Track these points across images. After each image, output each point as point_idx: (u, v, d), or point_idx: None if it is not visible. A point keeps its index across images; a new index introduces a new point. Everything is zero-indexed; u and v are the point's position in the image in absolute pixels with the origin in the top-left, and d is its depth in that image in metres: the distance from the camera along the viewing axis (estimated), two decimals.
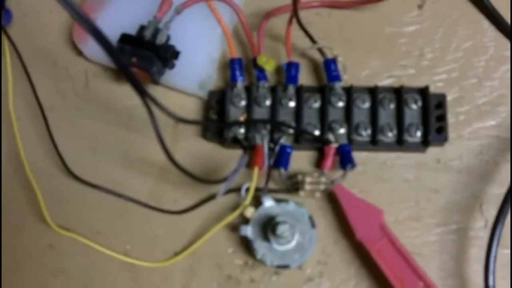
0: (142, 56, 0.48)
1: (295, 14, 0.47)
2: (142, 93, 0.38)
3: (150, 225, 0.49)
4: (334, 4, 0.53)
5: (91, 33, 0.34)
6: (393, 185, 0.48)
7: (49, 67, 0.53)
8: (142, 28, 0.49)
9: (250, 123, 0.48)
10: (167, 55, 0.48)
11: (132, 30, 0.50)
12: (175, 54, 0.49)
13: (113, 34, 0.48)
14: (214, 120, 0.49)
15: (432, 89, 0.49)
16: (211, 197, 0.48)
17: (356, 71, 0.51)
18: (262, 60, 0.48)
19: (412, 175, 0.49)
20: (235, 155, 0.50)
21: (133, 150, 0.51)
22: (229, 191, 0.48)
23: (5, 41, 0.52)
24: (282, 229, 0.44)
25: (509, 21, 0.51)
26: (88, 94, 0.52)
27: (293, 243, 0.45)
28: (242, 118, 0.49)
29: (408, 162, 0.49)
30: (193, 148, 0.50)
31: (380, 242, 0.44)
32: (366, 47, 0.52)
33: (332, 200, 0.48)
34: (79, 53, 0.53)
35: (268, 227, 0.45)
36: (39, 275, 0.49)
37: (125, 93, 0.52)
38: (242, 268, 0.48)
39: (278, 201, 0.47)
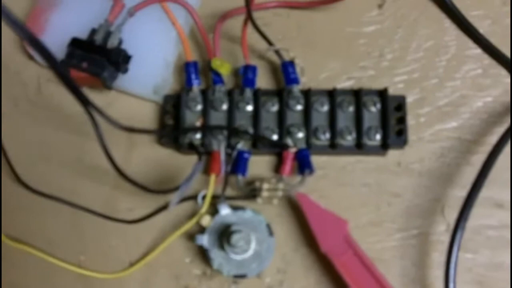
0: (93, 61, 0.46)
1: (249, 15, 0.46)
2: (85, 103, 0.36)
3: (104, 235, 0.48)
4: (291, 4, 0.52)
5: (26, 39, 0.32)
6: (354, 190, 0.47)
7: (1, 72, 0.51)
8: (93, 32, 0.48)
9: (206, 129, 0.46)
10: (118, 60, 0.46)
11: (85, 34, 0.48)
12: (127, 58, 0.47)
13: (65, 37, 0.48)
14: (168, 128, 0.48)
15: (393, 91, 0.48)
16: (165, 206, 0.46)
17: (315, 73, 0.50)
18: (216, 64, 0.47)
19: (372, 179, 0.48)
20: (193, 160, 0.48)
21: (87, 158, 0.49)
22: (185, 198, 0.47)
23: None
24: (236, 238, 0.43)
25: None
26: (40, 100, 0.51)
27: (250, 252, 0.44)
28: (198, 123, 0.47)
29: (368, 166, 0.48)
30: (149, 154, 0.49)
31: (345, 255, 0.43)
32: (325, 48, 0.51)
33: (291, 206, 0.47)
34: (31, 57, 0.51)
35: (224, 236, 0.44)
36: None
37: None
38: (200, 278, 0.46)
39: (235, 208, 0.46)
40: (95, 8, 0.50)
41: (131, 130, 0.40)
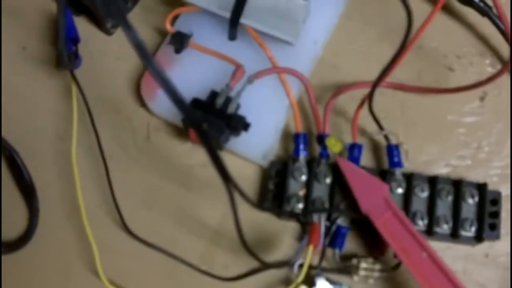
0: (212, 123, 0.48)
1: (369, 99, 0.48)
2: (226, 178, 0.38)
3: None
4: (400, 87, 0.54)
5: (176, 104, 0.34)
6: None
7: (112, 115, 0.54)
8: (214, 95, 0.49)
9: (314, 211, 0.48)
10: (238, 126, 0.48)
11: (200, 91, 0.50)
12: (246, 125, 0.49)
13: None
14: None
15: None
16: (263, 268, 0.48)
17: (414, 155, 0.52)
18: (331, 143, 0.48)
19: (460, 267, 0.50)
20: (286, 225, 0.50)
21: (188, 210, 0.51)
22: (279, 264, 0.48)
23: (73, 86, 0.52)
24: None
25: None
26: (148, 147, 0.53)
27: None
28: (301, 193, 0.49)
29: (457, 253, 0.50)
30: (246, 216, 0.50)
31: (385, 216, 0.46)
32: (425, 132, 0.53)
33: (383, 286, 0.49)
34: (142, 104, 0.53)
35: None
36: None
37: (185, 151, 0.52)
38: None
39: (331, 282, 0.47)
40: (211, 67, 0.52)
41: (260, 207, 0.42)
